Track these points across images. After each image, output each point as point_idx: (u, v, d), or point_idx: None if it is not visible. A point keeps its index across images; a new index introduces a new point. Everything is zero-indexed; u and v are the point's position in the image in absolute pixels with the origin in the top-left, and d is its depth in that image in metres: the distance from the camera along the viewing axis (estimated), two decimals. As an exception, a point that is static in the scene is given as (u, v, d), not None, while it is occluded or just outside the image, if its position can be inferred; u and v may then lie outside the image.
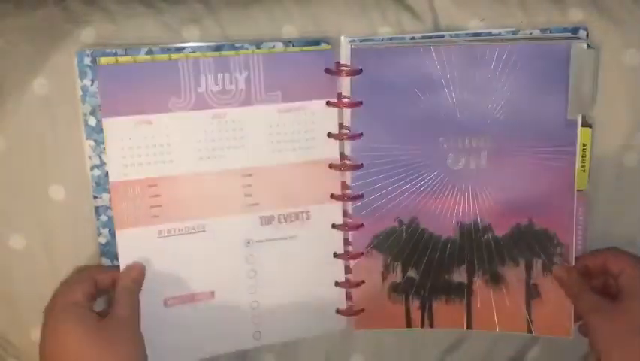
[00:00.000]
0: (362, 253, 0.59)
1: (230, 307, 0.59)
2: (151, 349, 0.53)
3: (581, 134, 0.56)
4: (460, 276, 0.59)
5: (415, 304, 0.60)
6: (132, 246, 0.56)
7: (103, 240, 0.58)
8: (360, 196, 0.58)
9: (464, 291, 0.60)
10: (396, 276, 0.60)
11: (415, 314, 0.60)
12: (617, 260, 0.55)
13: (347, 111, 0.57)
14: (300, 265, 0.59)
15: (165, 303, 0.57)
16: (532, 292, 0.59)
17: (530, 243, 0.58)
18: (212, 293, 0.58)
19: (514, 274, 0.59)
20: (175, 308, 0.57)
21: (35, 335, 0.58)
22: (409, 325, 0.60)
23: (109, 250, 0.58)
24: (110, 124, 0.55)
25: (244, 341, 0.59)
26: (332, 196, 0.58)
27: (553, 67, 0.55)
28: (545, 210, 0.57)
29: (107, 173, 0.56)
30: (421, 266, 0.59)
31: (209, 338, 0.58)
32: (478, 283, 0.59)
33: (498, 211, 0.58)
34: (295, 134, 0.57)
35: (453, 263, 0.59)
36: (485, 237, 0.59)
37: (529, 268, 0.59)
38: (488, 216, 0.58)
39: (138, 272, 0.55)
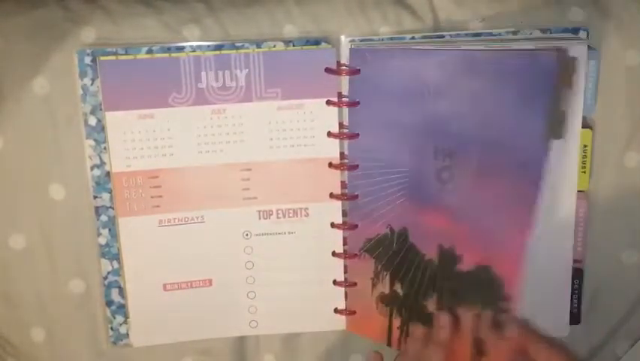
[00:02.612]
0: (356, 255, 0.59)
1: (228, 294, 0.59)
2: (150, 329, 0.57)
3: (582, 135, 0.56)
4: (432, 305, 0.57)
5: (396, 323, 0.59)
6: (133, 233, 0.58)
7: (103, 240, 0.58)
8: (355, 197, 0.58)
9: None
10: (385, 286, 0.59)
11: (395, 334, 0.59)
12: None
13: (346, 111, 0.57)
14: (298, 260, 0.59)
15: (164, 288, 0.59)
16: (478, 347, 0.54)
17: (481, 288, 0.55)
18: (210, 281, 0.59)
19: (466, 320, 0.55)
20: (174, 293, 0.59)
21: (35, 335, 0.59)
22: (388, 342, 0.60)
23: (109, 250, 0.58)
24: (113, 117, 0.56)
25: (240, 328, 0.60)
26: (331, 195, 0.58)
27: (539, 82, 0.52)
28: (501, 252, 0.54)
29: (108, 173, 0.56)
30: (406, 282, 0.58)
31: (206, 321, 0.60)
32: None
33: (470, 243, 0.55)
34: (294, 131, 0.57)
35: (429, 289, 0.57)
36: (455, 269, 0.56)
37: (477, 317, 0.55)
38: (462, 246, 0.56)
39: None
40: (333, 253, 0.59)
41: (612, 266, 0.59)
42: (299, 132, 0.57)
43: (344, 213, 0.59)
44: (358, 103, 0.57)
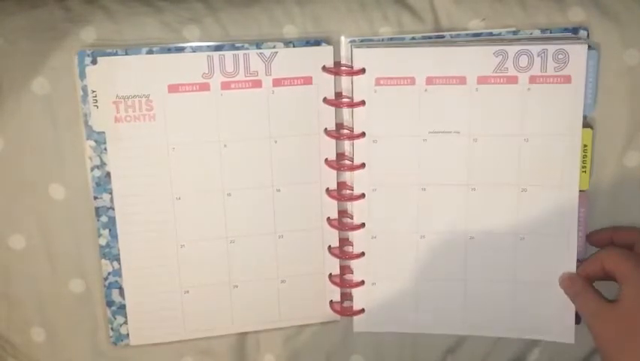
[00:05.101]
0: (363, 254, 0.59)
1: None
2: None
3: (582, 135, 0.56)
4: None
5: None
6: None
7: (103, 241, 0.58)
8: (362, 196, 0.58)
9: None
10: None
11: None
12: (611, 259, 0.54)
13: (346, 111, 0.57)
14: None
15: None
16: None
17: None
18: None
19: None
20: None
21: (35, 335, 0.59)
22: None
23: (109, 251, 0.58)
24: None
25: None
26: (328, 191, 0.59)
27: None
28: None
29: (108, 173, 0.56)
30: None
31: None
32: None
33: None
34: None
35: None
36: None
37: None
38: None
39: None
40: (329, 248, 0.60)
41: (612, 266, 0.59)
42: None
43: (345, 214, 0.59)
44: (362, 103, 0.57)
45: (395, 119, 0.57)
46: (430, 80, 0.56)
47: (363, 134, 0.57)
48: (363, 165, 0.58)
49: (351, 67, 0.56)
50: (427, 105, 0.56)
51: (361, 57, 0.56)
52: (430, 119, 0.57)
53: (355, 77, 0.56)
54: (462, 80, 0.56)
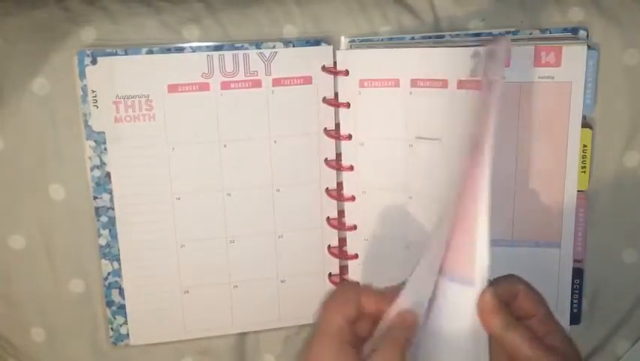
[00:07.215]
0: (357, 256, 0.59)
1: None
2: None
3: (582, 135, 0.56)
4: None
5: None
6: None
7: (103, 241, 0.58)
8: (352, 198, 0.58)
9: None
10: None
11: None
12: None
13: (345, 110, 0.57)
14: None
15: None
16: None
17: None
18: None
19: None
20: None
21: (35, 335, 0.59)
22: None
23: (109, 251, 0.58)
24: None
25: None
26: (327, 191, 0.59)
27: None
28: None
29: (108, 173, 0.56)
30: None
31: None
32: None
33: None
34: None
35: None
36: None
37: None
38: None
39: (413, 322, 0.43)
40: (329, 248, 0.60)
41: (612, 266, 0.59)
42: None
43: (343, 214, 0.59)
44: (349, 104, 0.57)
45: (380, 122, 0.56)
46: (414, 83, 0.55)
47: (350, 137, 0.57)
48: (352, 168, 0.58)
49: (335, 68, 0.56)
50: (412, 109, 0.55)
51: (345, 58, 0.56)
52: (415, 123, 0.55)
53: (340, 78, 0.56)
54: (444, 84, 0.54)
